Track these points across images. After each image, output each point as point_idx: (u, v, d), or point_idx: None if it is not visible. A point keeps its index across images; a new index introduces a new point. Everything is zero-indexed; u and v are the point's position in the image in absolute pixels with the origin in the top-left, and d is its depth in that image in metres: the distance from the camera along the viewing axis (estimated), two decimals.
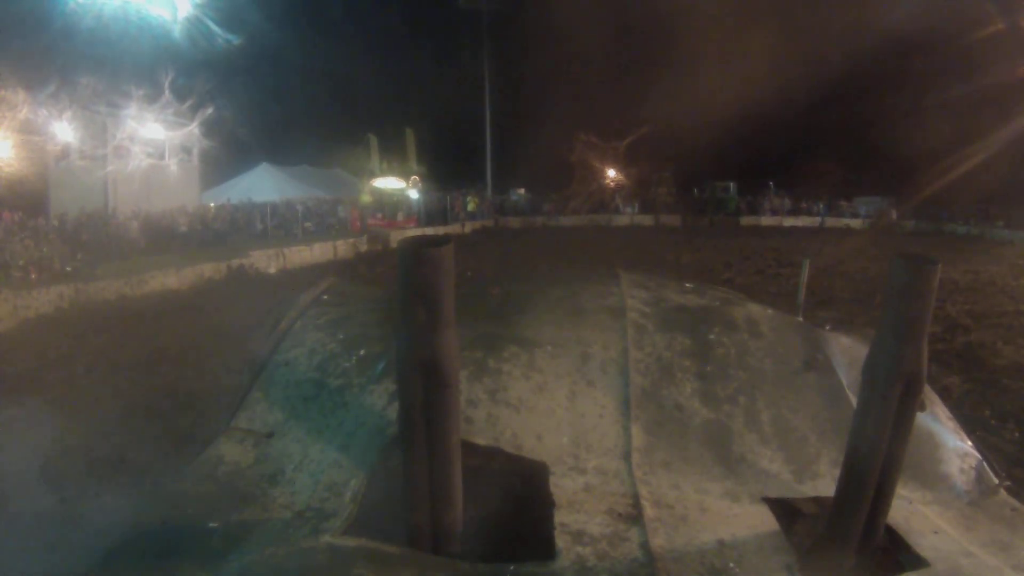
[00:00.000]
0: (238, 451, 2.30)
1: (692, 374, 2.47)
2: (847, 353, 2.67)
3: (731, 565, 1.72)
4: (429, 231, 18.09)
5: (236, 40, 17.42)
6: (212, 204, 19.48)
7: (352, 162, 24.07)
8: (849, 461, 1.88)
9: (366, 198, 20.72)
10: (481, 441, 2.13)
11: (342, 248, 14.85)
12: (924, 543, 1.89)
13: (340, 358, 2.57)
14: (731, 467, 2.19)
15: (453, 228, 20.70)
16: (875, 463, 1.82)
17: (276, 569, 1.66)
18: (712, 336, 2.65)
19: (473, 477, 1.85)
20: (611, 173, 30.70)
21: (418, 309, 1.64)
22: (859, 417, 1.88)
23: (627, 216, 27.55)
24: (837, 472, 1.96)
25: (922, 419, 2.15)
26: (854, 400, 2.32)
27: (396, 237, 15.86)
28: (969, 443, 2.42)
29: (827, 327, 3.00)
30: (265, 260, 12.05)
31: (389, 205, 20.98)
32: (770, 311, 2.99)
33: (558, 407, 2.29)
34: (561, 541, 1.78)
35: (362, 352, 2.57)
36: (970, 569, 1.78)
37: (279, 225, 17.16)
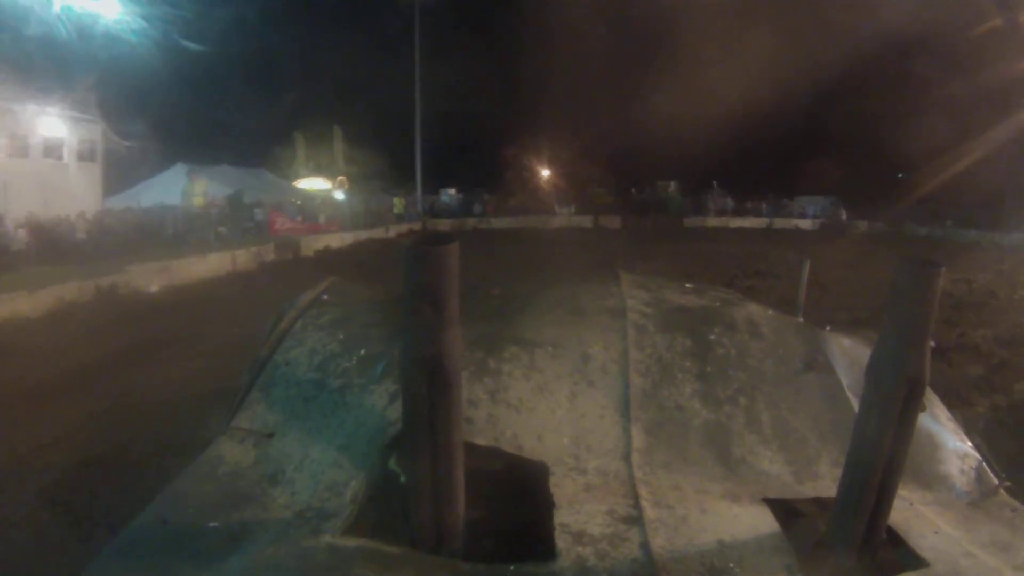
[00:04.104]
0: (238, 451, 2.30)
1: (692, 375, 2.47)
2: (848, 354, 2.67)
3: (731, 565, 1.72)
4: (349, 237, 17.15)
5: (147, 32, 16.15)
6: (117, 208, 17.96)
7: (277, 162, 23.31)
8: (851, 462, 1.88)
9: (292, 200, 19.76)
10: (481, 441, 2.13)
11: (243, 258, 12.63)
12: (924, 543, 1.89)
13: (340, 358, 2.57)
14: (731, 468, 2.19)
15: (376, 232, 19.38)
16: (877, 464, 1.82)
17: (276, 568, 1.66)
18: (712, 337, 2.65)
19: (473, 477, 1.85)
20: (546, 173, 29.47)
21: (422, 308, 1.64)
22: (862, 419, 1.88)
23: (564, 217, 26.43)
24: (837, 473, 1.97)
25: (922, 420, 2.15)
26: (854, 401, 2.33)
27: (310, 244, 15.02)
28: (969, 444, 2.42)
29: (827, 328, 3.01)
30: (145, 276, 9.85)
31: (310, 208, 19.91)
32: (770, 311, 2.99)
33: (558, 407, 2.29)
34: (561, 541, 1.78)
35: (363, 352, 2.57)
36: (970, 569, 1.78)
37: (191, 230, 15.08)
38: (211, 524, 1.91)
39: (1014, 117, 18.48)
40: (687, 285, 3.29)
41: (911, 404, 1.82)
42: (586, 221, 25.73)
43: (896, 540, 1.93)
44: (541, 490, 2.02)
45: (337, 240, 17.16)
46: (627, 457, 2.16)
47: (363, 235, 18.34)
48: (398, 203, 24.73)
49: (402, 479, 1.93)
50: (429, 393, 1.68)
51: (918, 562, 1.82)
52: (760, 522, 1.94)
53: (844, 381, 2.52)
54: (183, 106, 26.18)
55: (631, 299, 2.87)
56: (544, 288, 3.18)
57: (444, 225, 23.77)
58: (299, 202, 20.51)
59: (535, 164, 29.56)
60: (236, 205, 17.87)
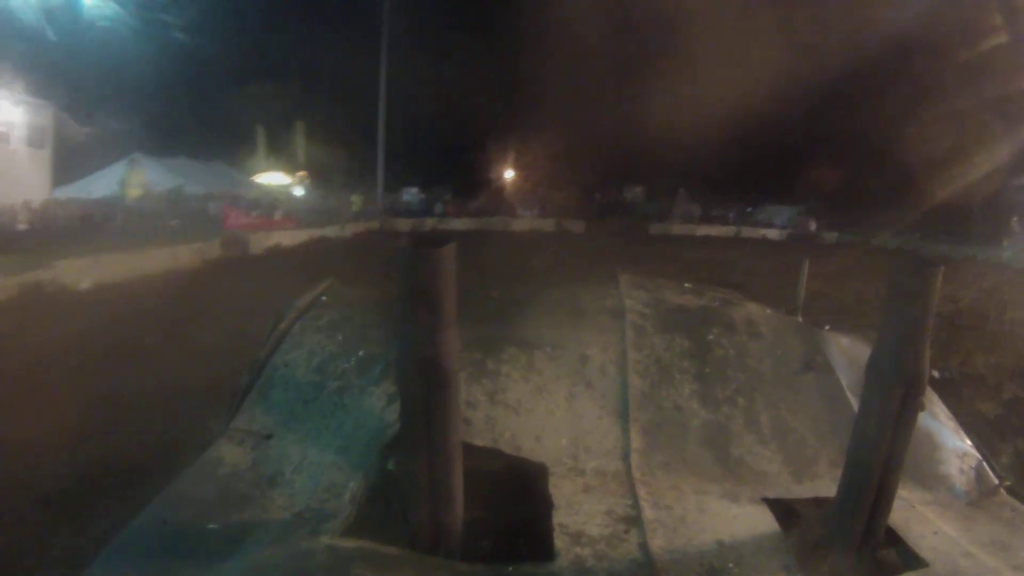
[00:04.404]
0: (237, 452, 2.30)
1: (691, 375, 2.47)
2: (846, 354, 2.67)
3: (730, 565, 1.72)
4: (303, 234, 16.36)
5: (113, 17, 15.39)
6: (64, 198, 16.88)
7: (237, 155, 22.45)
8: (850, 462, 1.88)
9: (249, 194, 19.00)
10: (480, 442, 2.13)
11: (185, 255, 11.46)
12: (923, 543, 1.89)
13: (339, 359, 2.57)
14: (730, 468, 2.19)
15: (332, 230, 18.37)
16: (876, 464, 1.83)
17: (275, 569, 1.66)
18: (711, 337, 2.65)
19: (472, 478, 1.85)
20: (510, 174, 28.57)
21: (419, 309, 1.65)
22: (861, 418, 1.88)
23: (526, 220, 25.64)
24: (836, 473, 1.97)
25: (922, 419, 2.15)
26: (853, 401, 2.33)
27: (260, 241, 14.00)
28: (969, 443, 2.42)
29: (826, 327, 3.01)
30: (76, 272, 8.84)
31: (267, 203, 19.11)
32: (769, 311, 2.99)
33: (557, 408, 2.29)
34: (560, 542, 1.78)
35: (361, 353, 2.57)
36: (970, 569, 1.78)
37: (139, 223, 13.78)
38: (210, 525, 1.91)
39: (982, 133, 18.37)
40: (686, 285, 3.29)
41: (910, 403, 1.82)
42: (548, 224, 24.89)
43: (895, 540, 1.93)
44: (540, 491, 2.02)
45: (289, 237, 16.10)
46: (626, 457, 2.17)
47: (317, 233, 17.28)
48: (356, 201, 24.03)
49: (400, 480, 1.93)
50: (426, 394, 1.68)
51: (917, 562, 1.82)
52: (759, 522, 1.94)
53: (843, 381, 2.52)
54: (143, 96, 25.07)
55: (630, 300, 2.87)
56: (543, 289, 3.18)
57: (403, 224, 22.79)
58: (255, 196, 19.74)
59: (500, 165, 28.84)
60: (176, 198, 17.16)
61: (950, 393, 2.71)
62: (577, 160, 27.42)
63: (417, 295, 1.65)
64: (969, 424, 2.52)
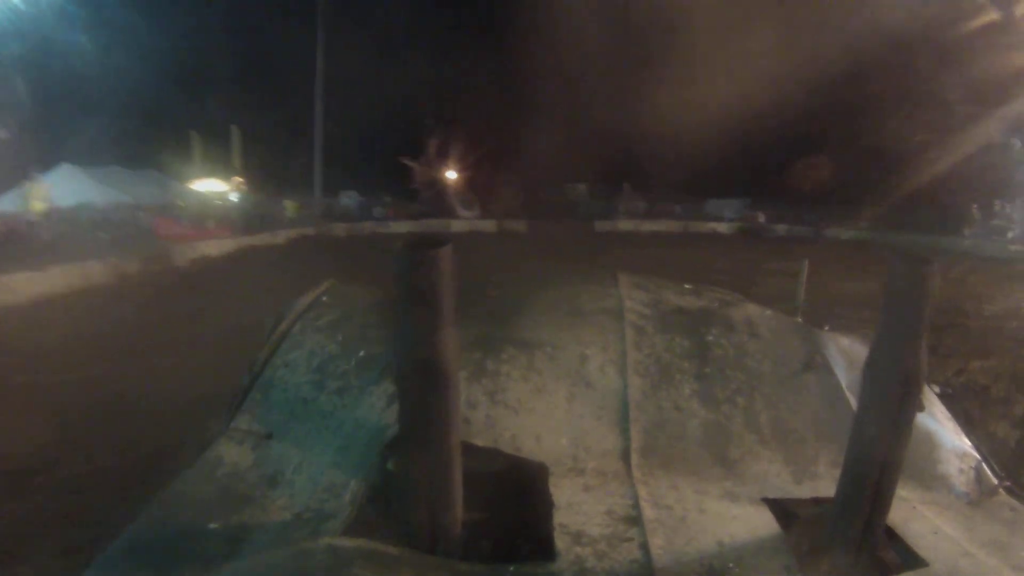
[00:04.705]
0: (237, 452, 2.31)
1: (691, 375, 2.47)
2: (846, 354, 2.67)
3: (730, 565, 1.72)
4: (231, 244, 15.56)
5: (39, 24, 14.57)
6: None
7: (172, 163, 21.51)
8: (849, 462, 1.88)
9: (181, 203, 18.26)
10: (480, 442, 2.13)
11: (97, 272, 10.11)
12: (923, 543, 1.89)
13: (339, 360, 2.57)
14: (730, 468, 2.19)
15: (263, 238, 17.35)
16: (875, 463, 1.83)
17: (275, 569, 1.67)
18: (711, 337, 2.65)
19: (472, 478, 1.85)
20: (451, 175, 27.69)
21: (417, 310, 1.65)
22: (859, 418, 1.88)
23: (467, 221, 24.69)
24: (835, 473, 1.97)
25: (921, 419, 2.15)
26: (852, 401, 2.33)
27: (185, 253, 13.26)
28: (968, 443, 2.42)
29: (826, 327, 3.01)
30: None
31: (196, 212, 18.27)
32: (768, 312, 3.00)
33: (557, 408, 2.29)
34: (560, 542, 1.79)
35: (361, 354, 2.58)
36: (969, 569, 1.78)
37: (68, 235, 12.83)
38: (211, 525, 1.92)
39: (936, 122, 18.15)
40: (685, 286, 3.30)
41: (908, 402, 1.82)
42: (490, 225, 23.92)
43: (895, 540, 1.93)
44: (540, 491, 2.02)
45: (217, 247, 15.08)
46: (626, 457, 2.17)
47: (247, 241, 16.33)
48: (290, 206, 23.05)
49: (400, 480, 1.93)
50: (425, 395, 1.68)
51: (917, 562, 1.82)
52: (759, 522, 1.94)
53: (843, 381, 2.52)
54: (74, 105, 24.03)
55: (629, 300, 2.87)
56: (542, 289, 3.18)
57: (340, 230, 21.64)
58: (185, 205, 18.79)
59: (441, 166, 27.68)
60: (84, 211, 16.17)
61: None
62: (520, 159, 26.28)
63: (415, 296, 1.66)
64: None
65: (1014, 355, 6.21)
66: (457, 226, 24.11)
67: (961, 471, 2.32)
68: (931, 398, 2.53)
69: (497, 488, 2.06)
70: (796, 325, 2.97)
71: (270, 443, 2.34)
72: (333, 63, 24.68)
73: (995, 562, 1.82)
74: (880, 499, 1.85)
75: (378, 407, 2.29)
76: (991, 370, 5.65)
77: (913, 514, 2.06)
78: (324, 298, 3.11)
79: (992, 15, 14.26)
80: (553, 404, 2.30)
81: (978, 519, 2.10)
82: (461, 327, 1.77)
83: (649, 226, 24.09)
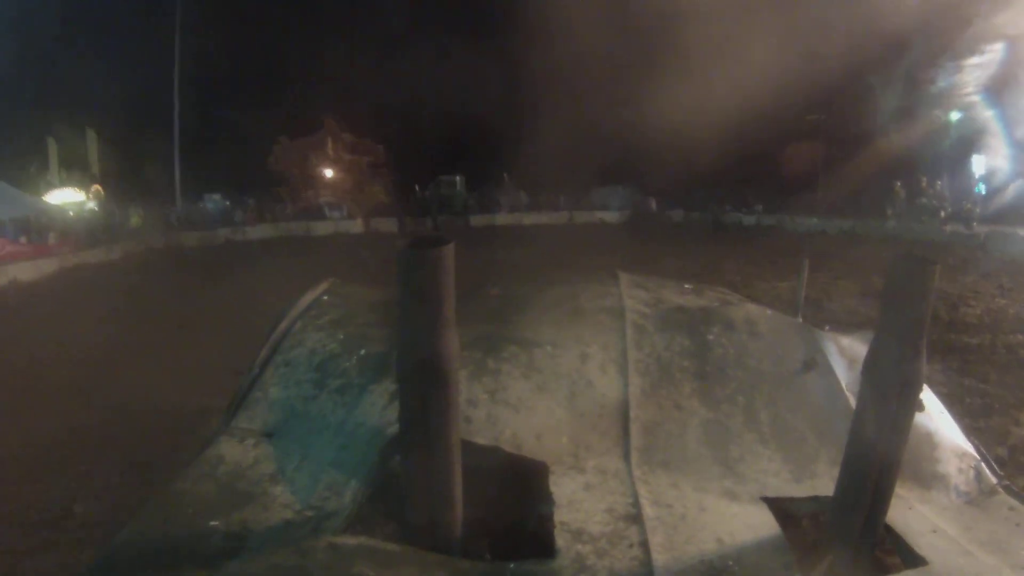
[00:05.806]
0: (238, 450, 2.31)
1: (691, 374, 2.48)
2: (846, 353, 2.68)
3: (730, 563, 1.73)
4: (52, 264, 13.96)
5: None
6: None
7: (27, 173, 19.61)
8: (848, 461, 1.89)
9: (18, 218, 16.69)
10: (481, 440, 2.14)
11: None
12: (922, 542, 1.89)
13: (340, 358, 2.58)
14: (730, 466, 2.20)
15: (97, 254, 15.52)
16: (874, 463, 1.83)
17: (276, 568, 1.67)
18: (711, 336, 2.65)
19: (473, 476, 1.86)
20: (326, 173, 25.93)
21: (418, 309, 1.65)
22: (858, 417, 1.89)
23: (332, 222, 23.17)
24: (835, 471, 1.97)
25: (920, 419, 2.16)
26: (852, 400, 2.33)
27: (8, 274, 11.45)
28: (967, 443, 2.42)
29: (826, 327, 3.02)
30: None
31: (40, 226, 16.77)
32: (768, 311, 3.00)
33: (557, 407, 2.30)
34: (561, 539, 1.79)
35: (362, 352, 2.58)
36: (968, 568, 1.79)
37: None
38: (211, 523, 1.92)
39: (844, 99, 17.23)
40: (686, 285, 3.30)
41: (907, 402, 1.83)
42: (357, 226, 22.81)
43: (894, 539, 1.93)
44: (540, 489, 2.03)
45: (33, 270, 13.26)
46: (626, 456, 2.17)
47: (77, 259, 14.69)
48: (135, 215, 21.40)
49: (401, 478, 1.94)
50: (426, 394, 1.69)
51: (916, 561, 1.82)
52: (758, 521, 1.95)
53: (843, 380, 2.53)
54: None
55: (630, 299, 2.88)
56: (543, 288, 3.19)
57: (190, 239, 19.44)
58: (26, 218, 17.11)
59: (305, 163, 25.80)
60: None
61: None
62: (393, 155, 25.03)
63: (416, 295, 1.66)
64: None
65: (1003, 365, 5.54)
66: (321, 228, 22.47)
67: (960, 470, 2.32)
68: (931, 398, 2.53)
69: (497, 486, 2.07)
70: (796, 325, 2.98)
71: (271, 441, 2.35)
72: (196, 54, 22.75)
73: (994, 561, 1.83)
74: (879, 498, 1.86)
75: (379, 405, 2.30)
76: (994, 382, 5.14)
77: (912, 513, 2.07)
78: (325, 296, 3.12)
79: None
80: (554, 402, 2.30)
81: (977, 518, 2.11)
82: (463, 326, 1.78)
83: (531, 219, 23.08)
